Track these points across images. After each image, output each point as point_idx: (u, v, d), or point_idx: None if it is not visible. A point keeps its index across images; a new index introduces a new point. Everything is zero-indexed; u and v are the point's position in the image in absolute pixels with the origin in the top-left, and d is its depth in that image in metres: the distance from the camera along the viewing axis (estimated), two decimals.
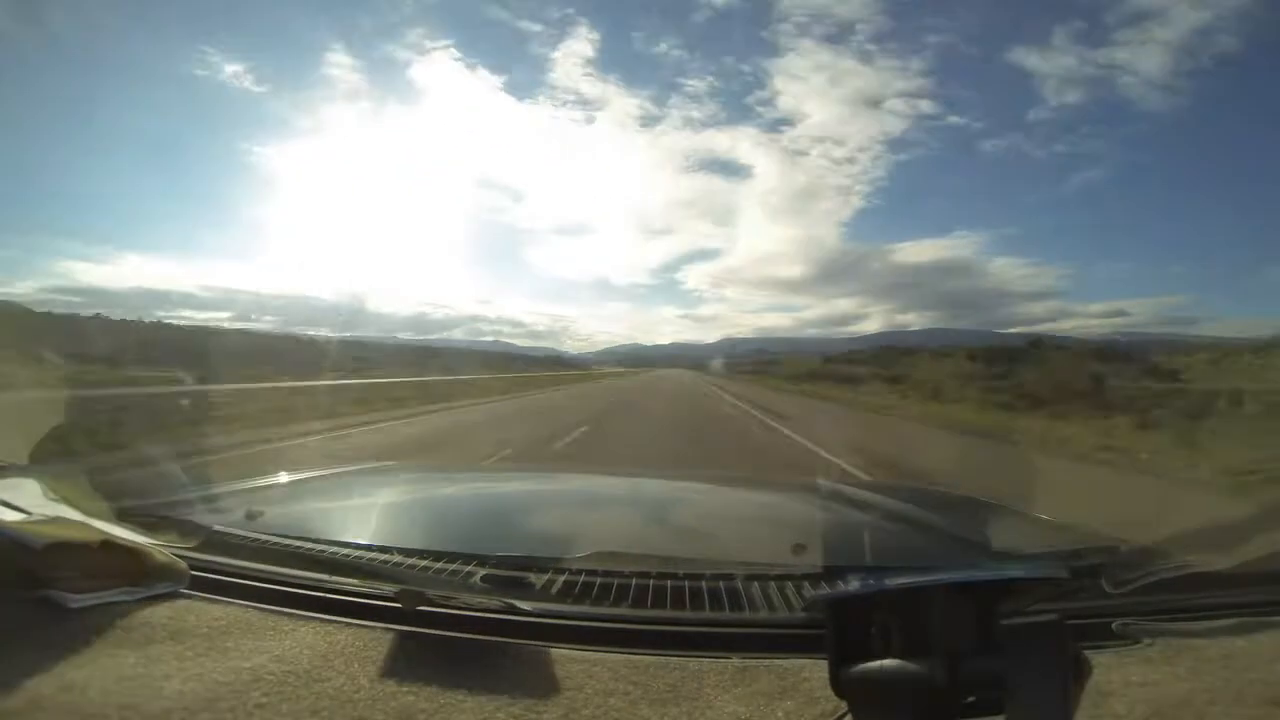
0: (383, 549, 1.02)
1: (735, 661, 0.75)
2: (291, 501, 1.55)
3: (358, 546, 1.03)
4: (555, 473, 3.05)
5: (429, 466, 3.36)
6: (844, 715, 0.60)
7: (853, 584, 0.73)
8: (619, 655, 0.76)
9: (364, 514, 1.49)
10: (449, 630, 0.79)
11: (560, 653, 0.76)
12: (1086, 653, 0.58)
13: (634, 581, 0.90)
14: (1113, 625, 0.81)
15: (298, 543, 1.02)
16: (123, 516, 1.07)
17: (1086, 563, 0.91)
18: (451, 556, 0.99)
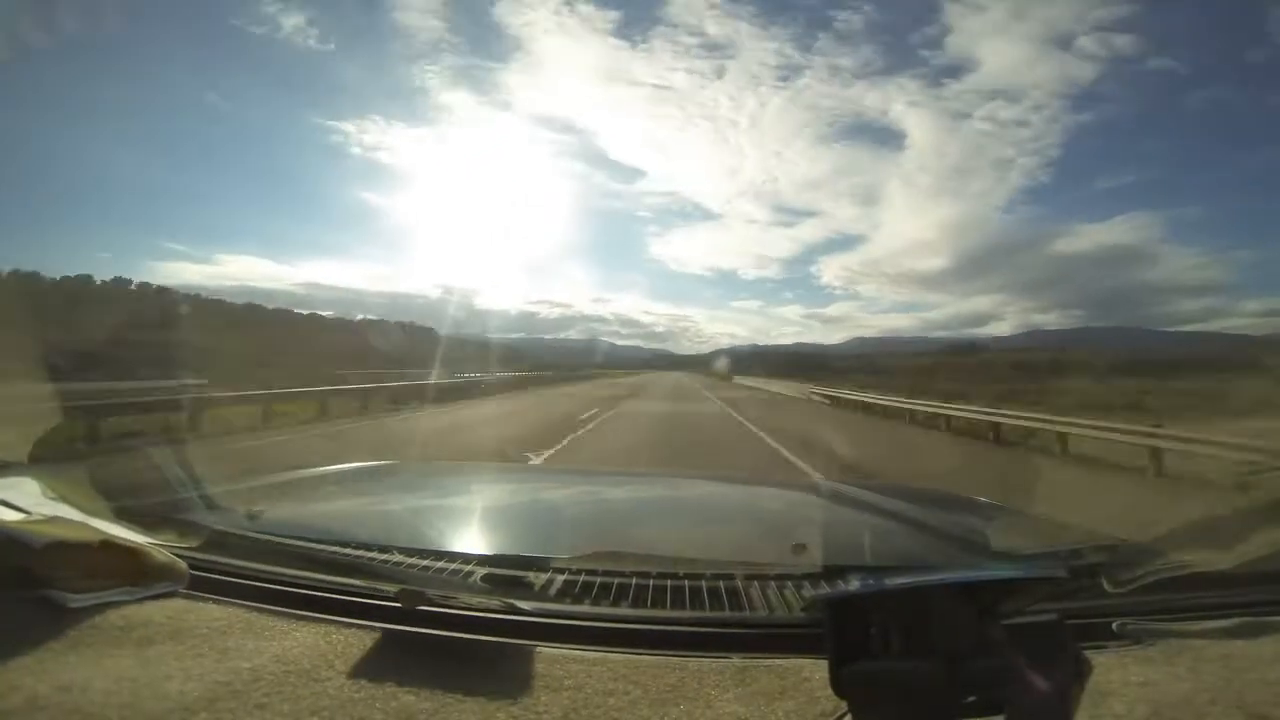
0: (383, 549, 1.02)
1: (735, 661, 0.75)
2: (291, 501, 1.55)
3: (358, 546, 1.03)
4: (555, 473, 3.05)
5: (429, 466, 3.36)
6: (844, 715, 0.60)
7: (853, 584, 0.73)
8: (619, 655, 0.76)
9: (364, 514, 1.49)
10: (449, 630, 0.79)
11: (560, 653, 0.76)
12: (1086, 653, 0.58)
13: (634, 581, 0.90)
14: (1113, 625, 0.81)
15: (298, 543, 1.02)
16: (122, 516, 1.07)
17: (1086, 562, 0.91)
18: (452, 556, 0.99)
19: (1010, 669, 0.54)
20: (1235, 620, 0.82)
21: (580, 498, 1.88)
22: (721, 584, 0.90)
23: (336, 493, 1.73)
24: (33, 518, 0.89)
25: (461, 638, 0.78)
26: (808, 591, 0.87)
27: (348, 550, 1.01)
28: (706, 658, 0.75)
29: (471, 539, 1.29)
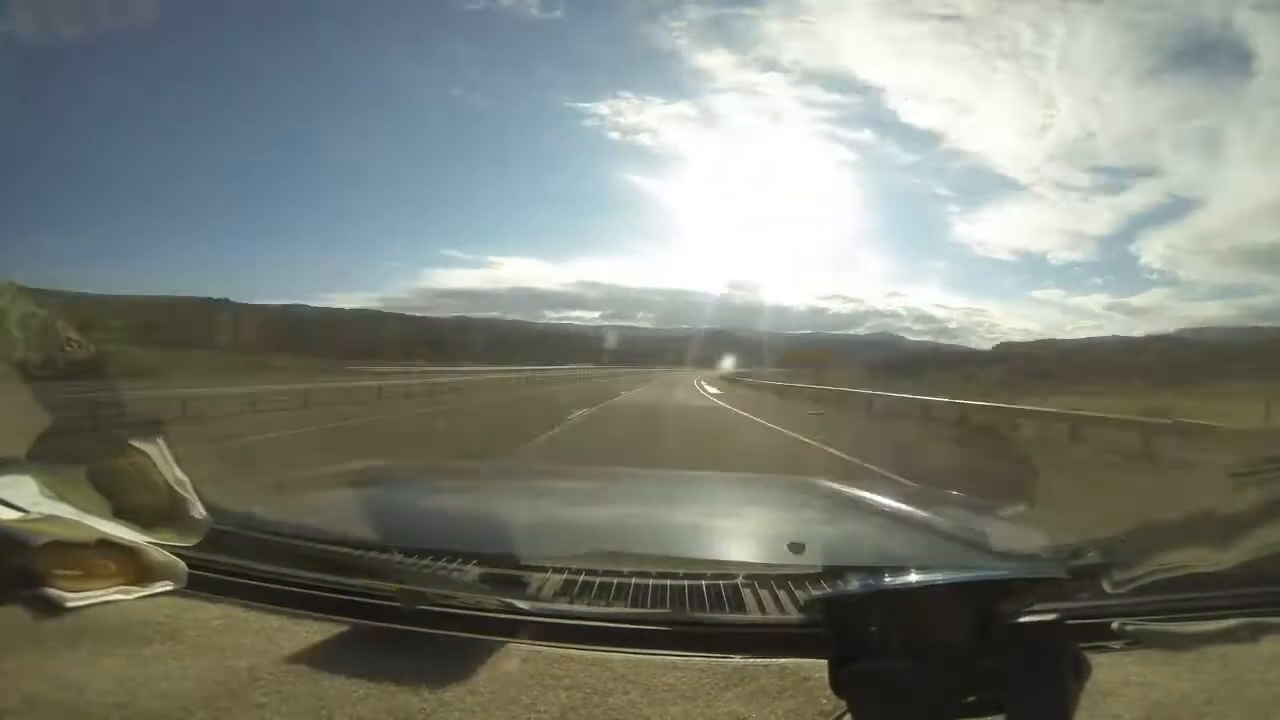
0: (382, 548, 1.02)
1: (735, 661, 0.75)
2: (291, 500, 1.55)
3: (357, 546, 1.03)
4: (556, 472, 3.05)
5: (429, 466, 3.36)
6: (844, 715, 0.60)
7: (853, 584, 0.73)
8: (619, 655, 0.76)
9: (364, 513, 1.49)
10: (449, 630, 0.79)
11: (559, 652, 0.76)
12: (1086, 653, 0.58)
13: (634, 581, 0.90)
14: (1113, 625, 0.81)
15: (297, 542, 1.02)
16: (121, 515, 1.06)
17: (1086, 562, 0.91)
18: (451, 556, 0.99)
19: (1010, 669, 0.54)
20: (1235, 620, 0.82)
21: (580, 497, 1.88)
22: (721, 584, 0.90)
23: (335, 492, 1.73)
24: (30, 516, 0.89)
25: (461, 637, 0.78)
26: (807, 591, 0.87)
27: (347, 549, 1.01)
28: (706, 658, 0.75)
29: (471, 538, 1.29)
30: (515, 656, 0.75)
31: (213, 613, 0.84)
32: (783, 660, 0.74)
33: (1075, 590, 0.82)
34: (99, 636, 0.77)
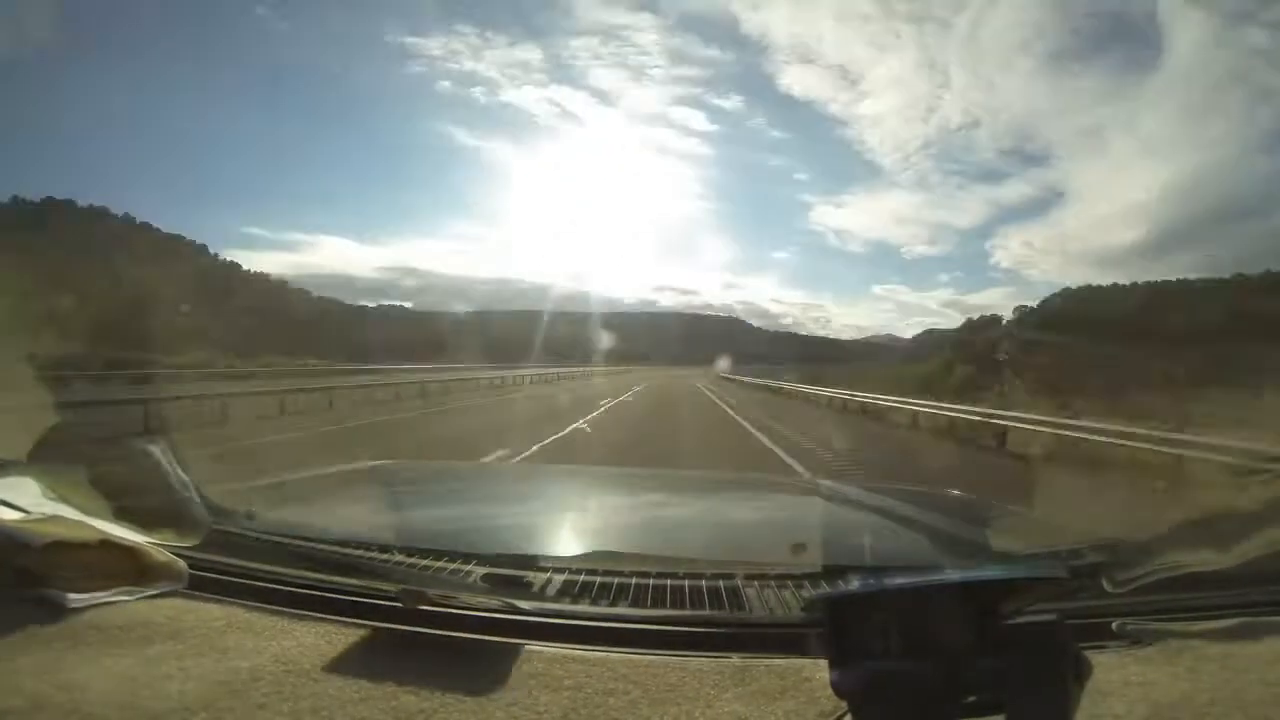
0: (383, 548, 1.02)
1: (735, 661, 0.75)
2: (291, 500, 1.55)
3: (358, 546, 1.03)
4: (556, 472, 3.05)
5: (429, 466, 3.36)
6: (844, 715, 0.60)
7: (853, 584, 0.73)
8: (619, 655, 0.76)
9: (364, 513, 1.49)
10: (449, 630, 0.79)
11: (560, 653, 0.76)
12: (1086, 653, 0.58)
13: (634, 581, 0.90)
14: (1113, 625, 0.81)
15: (298, 542, 1.02)
16: (121, 515, 1.07)
17: (1086, 562, 0.91)
18: (452, 556, 0.99)
19: (1010, 669, 0.54)
20: (1235, 620, 0.82)
21: (580, 497, 1.88)
22: (721, 584, 0.90)
23: (336, 492, 1.73)
24: (32, 517, 0.89)
25: (461, 637, 0.78)
26: (808, 591, 0.87)
27: (348, 550, 1.01)
28: (706, 658, 0.75)
29: (471, 538, 1.29)
30: (516, 657, 0.75)
31: (214, 613, 0.84)
32: (783, 660, 0.74)
33: (1075, 590, 0.82)
34: (101, 637, 0.77)
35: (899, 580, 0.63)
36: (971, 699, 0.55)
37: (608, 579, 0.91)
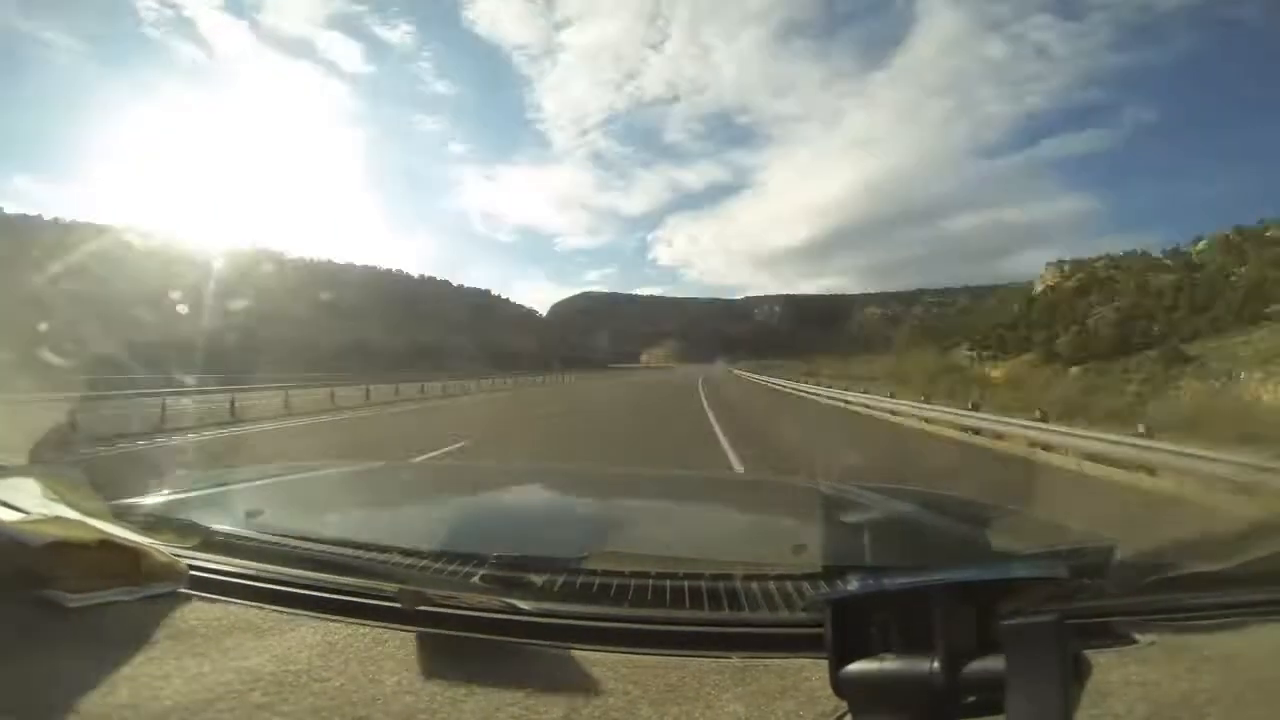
0: (383, 549, 1.02)
1: (735, 661, 0.75)
2: (291, 501, 1.55)
3: (358, 546, 1.03)
4: (556, 472, 3.05)
5: (429, 466, 3.36)
6: (844, 715, 0.60)
7: (853, 584, 0.73)
8: (619, 655, 0.76)
9: (364, 513, 1.49)
10: (449, 630, 0.79)
11: (560, 653, 0.76)
12: (1086, 653, 0.58)
13: (634, 581, 0.90)
14: (1113, 625, 0.81)
15: (297, 542, 1.02)
16: (121, 516, 1.07)
17: (1086, 562, 0.91)
18: (452, 556, 0.99)
19: (1010, 669, 0.54)
20: (1235, 620, 0.82)
21: (580, 497, 1.88)
22: (721, 584, 0.90)
23: (336, 492, 1.73)
24: (32, 517, 0.89)
25: (462, 637, 0.78)
26: (808, 591, 0.87)
27: (347, 550, 1.01)
28: (706, 658, 0.75)
29: (471, 538, 1.29)
30: (516, 657, 0.75)
31: (214, 613, 0.84)
32: (783, 660, 0.74)
33: (1075, 590, 0.82)
34: (101, 637, 0.77)
35: (899, 580, 0.63)
36: (971, 699, 0.55)
37: (608, 579, 0.91)
